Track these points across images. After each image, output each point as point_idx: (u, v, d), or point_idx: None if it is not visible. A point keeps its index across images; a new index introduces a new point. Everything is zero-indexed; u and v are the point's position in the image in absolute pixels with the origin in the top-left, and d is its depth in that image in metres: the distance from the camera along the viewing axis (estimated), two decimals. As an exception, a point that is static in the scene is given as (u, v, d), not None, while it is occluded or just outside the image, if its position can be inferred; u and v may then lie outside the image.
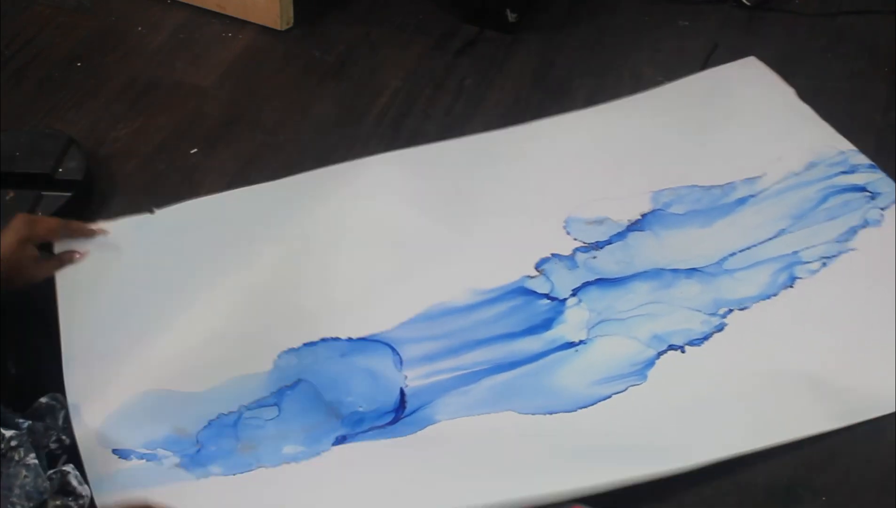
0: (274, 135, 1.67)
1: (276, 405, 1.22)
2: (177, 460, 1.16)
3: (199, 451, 1.17)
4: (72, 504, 1.07)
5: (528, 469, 1.15)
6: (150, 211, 1.34)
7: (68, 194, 1.50)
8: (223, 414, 1.21)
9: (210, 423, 1.20)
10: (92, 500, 1.08)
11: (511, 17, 1.83)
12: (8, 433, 1.07)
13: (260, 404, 1.22)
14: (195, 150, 1.65)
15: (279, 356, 1.26)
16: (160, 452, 1.16)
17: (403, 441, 1.20)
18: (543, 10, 1.91)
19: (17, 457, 1.05)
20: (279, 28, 1.86)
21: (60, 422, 1.14)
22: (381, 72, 1.79)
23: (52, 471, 1.08)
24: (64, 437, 1.12)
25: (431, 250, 1.40)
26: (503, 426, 1.22)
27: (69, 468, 1.09)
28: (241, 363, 1.25)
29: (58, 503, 1.06)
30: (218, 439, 1.19)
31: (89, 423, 1.16)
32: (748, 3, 1.89)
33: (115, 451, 1.15)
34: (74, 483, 1.08)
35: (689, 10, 1.90)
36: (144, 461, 1.15)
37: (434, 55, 1.83)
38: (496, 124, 1.68)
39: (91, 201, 1.55)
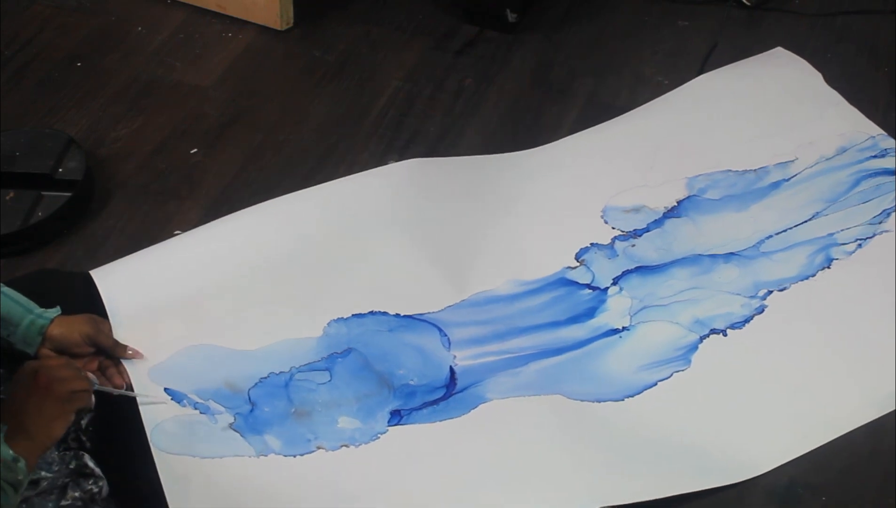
0: (274, 135, 1.67)
1: (327, 370, 1.25)
2: (230, 419, 1.18)
3: (252, 411, 1.19)
4: (92, 486, 1.07)
5: (583, 473, 1.17)
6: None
7: (68, 193, 1.50)
8: (274, 374, 1.24)
9: (261, 380, 1.23)
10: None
11: (511, 17, 1.83)
12: None
13: (311, 367, 1.25)
14: (195, 150, 1.65)
15: (329, 324, 1.30)
16: (213, 405, 1.19)
17: (459, 423, 1.22)
18: (543, 10, 1.90)
19: None
20: (279, 28, 1.86)
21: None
22: (381, 72, 1.79)
23: (67, 451, 1.08)
24: (84, 438, 1.12)
25: (475, 243, 1.43)
26: (555, 414, 1.23)
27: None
28: (291, 327, 1.28)
29: (76, 494, 1.06)
30: (271, 399, 1.21)
31: (141, 368, 1.19)
32: (748, 3, 1.89)
33: (167, 390, 1.18)
34: (91, 464, 1.08)
35: (689, 10, 1.90)
36: (198, 412, 1.18)
37: (434, 55, 1.83)
38: (496, 124, 1.68)
39: (91, 200, 1.55)
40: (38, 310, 1.14)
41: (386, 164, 1.58)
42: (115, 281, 1.28)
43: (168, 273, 1.32)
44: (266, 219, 1.41)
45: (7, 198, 1.50)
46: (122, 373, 1.18)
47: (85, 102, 1.72)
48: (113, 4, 1.92)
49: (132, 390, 1.17)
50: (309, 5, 1.88)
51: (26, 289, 1.16)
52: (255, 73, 1.80)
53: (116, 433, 1.13)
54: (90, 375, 1.10)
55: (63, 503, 1.04)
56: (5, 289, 1.13)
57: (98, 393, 1.09)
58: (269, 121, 1.70)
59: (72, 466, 1.07)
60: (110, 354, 1.19)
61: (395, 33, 1.87)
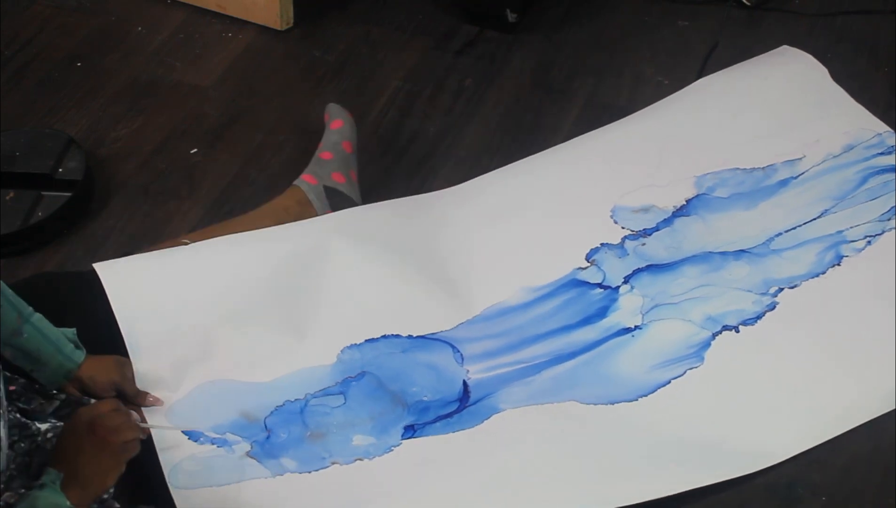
0: (274, 135, 1.67)
1: (341, 394, 1.25)
2: (247, 447, 1.19)
3: (268, 438, 1.20)
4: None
5: (594, 475, 1.17)
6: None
7: (68, 193, 1.50)
8: (289, 401, 1.24)
9: (277, 409, 1.23)
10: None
11: (511, 17, 1.83)
12: (43, 426, 1.09)
13: (326, 392, 1.25)
14: (195, 150, 1.65)
15: (342, 351, 1.29)
16: (230, 437, 1.19)
17: (472, 434, 1.22)
18: (543, 10, 1.90)
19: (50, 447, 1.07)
20: (279, 28, 1.86)
21: None
22: (381, 72, 1.79)
23: None
24: None
25: (484, 253, 1.42)
26: (568, 420, 1.23)
27: None
28: (304, 357, 1.28)
29: None
30: (286, 425, 1.22)
31: (158, 409, 1.20)
32: (748, 3, 1.89)
33: (184, 432, 1.18)
34: None
35: (689, 10, 1.90)
36: (215, 446, 1.18)
37: (434, 55, 1.83)
38: (496, 124, 1.68)
39: (91, 200, 1.55)
40: (67, 349, 1.13)
41: (385, 164, 1.58)
42: (130, 305, 1.26)
43: (180, 300, 1.29)
44: (274, 245, 1.37)
45: (7, 198, 1.50)
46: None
47: (85, 102, 1.72)
48: (113, 4, 1.92)
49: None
50: (309, 5, 1.88)
51: (25, 293, 1.14)
52: (255, 73, 1.80)
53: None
54: (135, 415, 1.10)
55: None
56: (36, 320, 1.12)
57: None
58: (269, 121, 1.70)
59: None
60: (131, 400, 1.19)
61: (395, 33, 1.87)
